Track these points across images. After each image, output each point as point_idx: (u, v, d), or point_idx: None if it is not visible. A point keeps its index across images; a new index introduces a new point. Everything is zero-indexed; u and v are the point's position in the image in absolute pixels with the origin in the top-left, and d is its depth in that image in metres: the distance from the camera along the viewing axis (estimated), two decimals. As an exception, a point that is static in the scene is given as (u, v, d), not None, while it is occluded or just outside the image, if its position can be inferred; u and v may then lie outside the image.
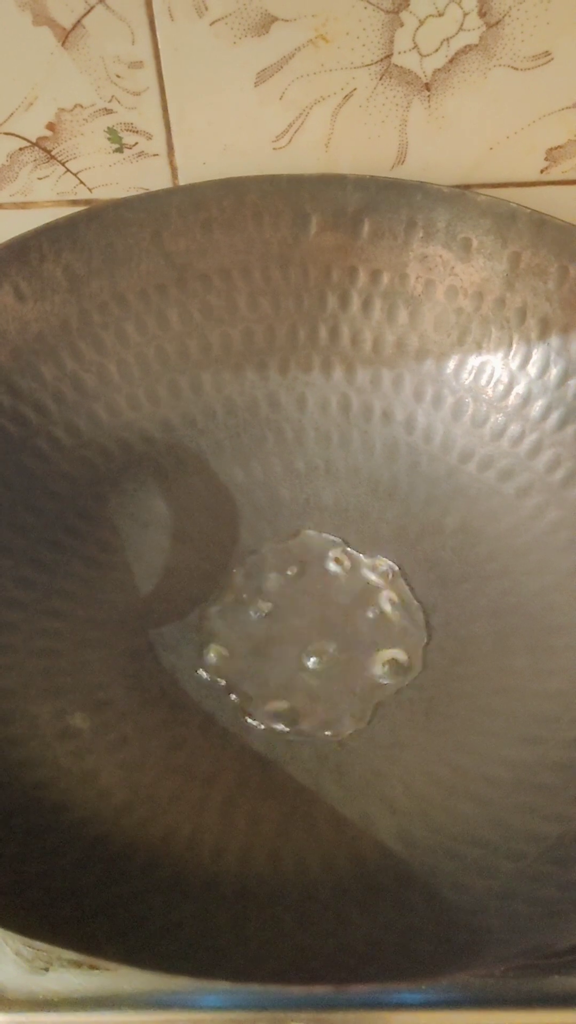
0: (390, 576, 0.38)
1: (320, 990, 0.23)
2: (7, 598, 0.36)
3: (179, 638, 0.37)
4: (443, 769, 0.33)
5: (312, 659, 0.36)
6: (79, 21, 0.37)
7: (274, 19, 0.37)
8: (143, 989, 0.31)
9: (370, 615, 0.37)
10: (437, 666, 0.36)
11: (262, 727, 0.34)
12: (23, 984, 0.31)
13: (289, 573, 0.38)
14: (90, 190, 0.43)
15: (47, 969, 0.32)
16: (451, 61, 0.38)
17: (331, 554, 0.39)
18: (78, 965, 0.31)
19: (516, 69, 0.38)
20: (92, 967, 0.31)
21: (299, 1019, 0.29)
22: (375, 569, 0.38)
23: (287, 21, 0.37)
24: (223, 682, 0.35)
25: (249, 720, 0.35)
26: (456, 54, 0.38)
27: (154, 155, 0.41)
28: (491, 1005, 0.30)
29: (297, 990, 0.23)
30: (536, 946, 0.24)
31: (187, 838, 0.31)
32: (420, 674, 0.36)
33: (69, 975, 0.32)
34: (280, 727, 0.34)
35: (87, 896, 0.28)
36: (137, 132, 0.41)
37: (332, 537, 0.39)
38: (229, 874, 0.30)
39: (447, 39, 0.38)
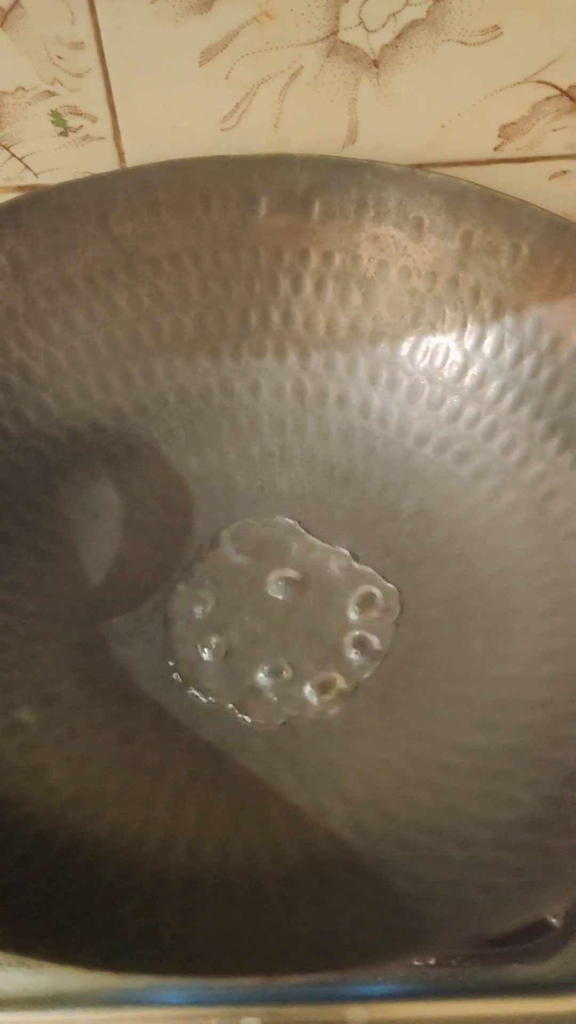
0: (348, 561, 0.37)
1: (247, 982, 0.22)
2: (-46, 592, 0.36)
3: (131, 630, 0.36)
4: (398, 757, 0.32)
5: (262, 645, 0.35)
6: (17, 1, 0.36)
7: (216, -5, 0.36)
8: (94, 987, 0.30)
9: (334, 602, 0.36)
10: (395, 652, 0.35)
11: (212, 713, 0.34)
12: (-33, 984, 0.31)
13: (243, 560, 0.37)
14: (36, 175, 0.42)
15: (-8, 968, 0.31)
16: (398, 36, 0.37)
17: (287, 539, 0.38)
18: (27, 964, 0.30)
19: (465, 44, 0.38)
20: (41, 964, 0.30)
21: (253, 1014, 0.29)
22: (333, 555, 0.37)
23: (229, -3, 0.36)
24: (177, 677, 0.35)
25: (200, 699, 0.34)
26: (403, 29, 0.37)
27: (100, 138, 0.40)
28: (448, 995, 0.30)
29: (222, 982, 0.23)
30: (480, 932, 0.24)
31: (135, 833, 0.30)
32: (377, 660, 0.35)
33: (18, 974, 0.31)
34: (236, 714, 0.34)
35: (26, 894, 0.27)
36: (81, 115, 0.40)
37: (288, 520, 0.38)
38: (177, 868, 0.29)
39: (394, 14, 0.37)
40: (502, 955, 0.29)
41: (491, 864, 0.28)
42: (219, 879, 0.29)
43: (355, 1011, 0.30)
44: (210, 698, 0.34)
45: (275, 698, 0.34)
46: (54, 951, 0.24)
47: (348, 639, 0.36)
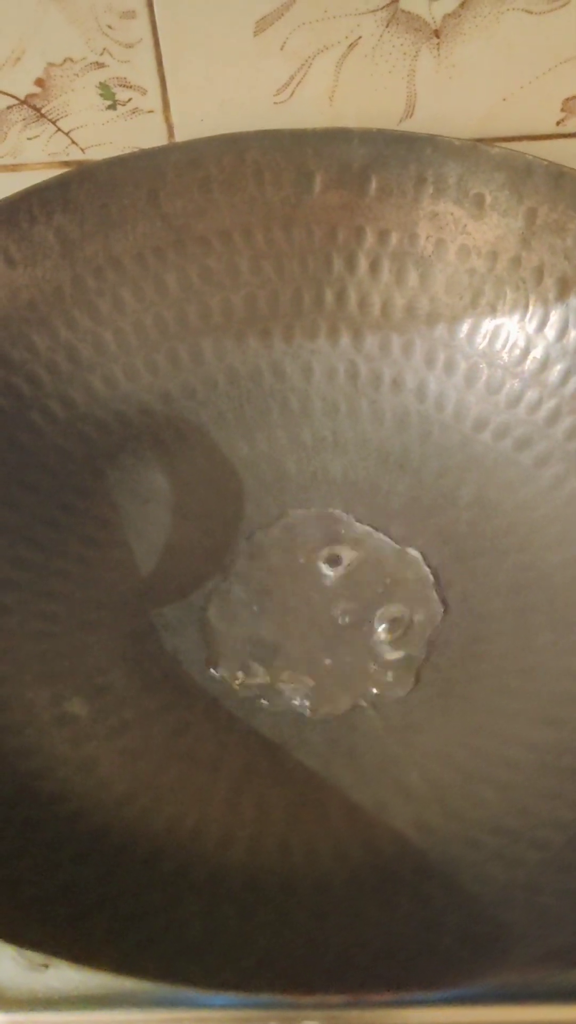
0: (402, 551, 0.36)
1: (335, 1000, 0.21)
2: (1, 579, 0.35)
3: (182, 618, 0.35)
4: (461, 753, 0.31)
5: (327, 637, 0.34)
6: (67, -32, 0.35)
7: (273, -38, 0.35)
8: (148, 987, 0.29)
9: (380, 590, 0.35)
10: (454, 645, 0.34)
11: (271, 708, 0.33)
12: (22, 982, 0.30)
13: (295, 550, 0.36)
14: (83, 150, 0.41)
15: (47, 966, 0.30)
16: (462, 6, 0.36)
17: (338, 530, 0.37)
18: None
19: (531, 13, 0.36)
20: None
21: (312, 1018, 0.28)
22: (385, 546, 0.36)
23: (287, -36, 0.35)
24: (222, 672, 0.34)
25: (262, 702, 0.33)
26: (467, -3, 0.36)
27: (149, 111, 0.39)
28: (515, 1000, 0.28)
29: (310, 999, 0.22)
30: (566, 946, 0.23)
31: (191, 828, 0.30)
32: (436, 654, 0.34)
33: (71, 972, 0.30)
34: (295, 703, 0.33)
35: (84, 892, 0.26)
36: (131, 87, 0.38)
37: (339, 512, 0.37)
38: (236, 866, 0.28)
39: (457, -19, 0.35)
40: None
41: (567, 868, 0.27)
42: (281, 878, 0.28)
43: (417, 1015, 0.29)
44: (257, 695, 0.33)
45: (325, 688, 0.33)
46: (119, 957, 0.23)
47: (395, 632, 0.34)
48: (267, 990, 0.22)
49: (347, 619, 0.35)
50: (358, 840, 0.29)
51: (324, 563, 0.36)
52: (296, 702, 0.33)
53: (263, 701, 0.33)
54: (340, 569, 0.36)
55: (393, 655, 0.34)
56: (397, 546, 0.36)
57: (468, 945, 0.25)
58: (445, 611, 0.35)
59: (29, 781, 0.30)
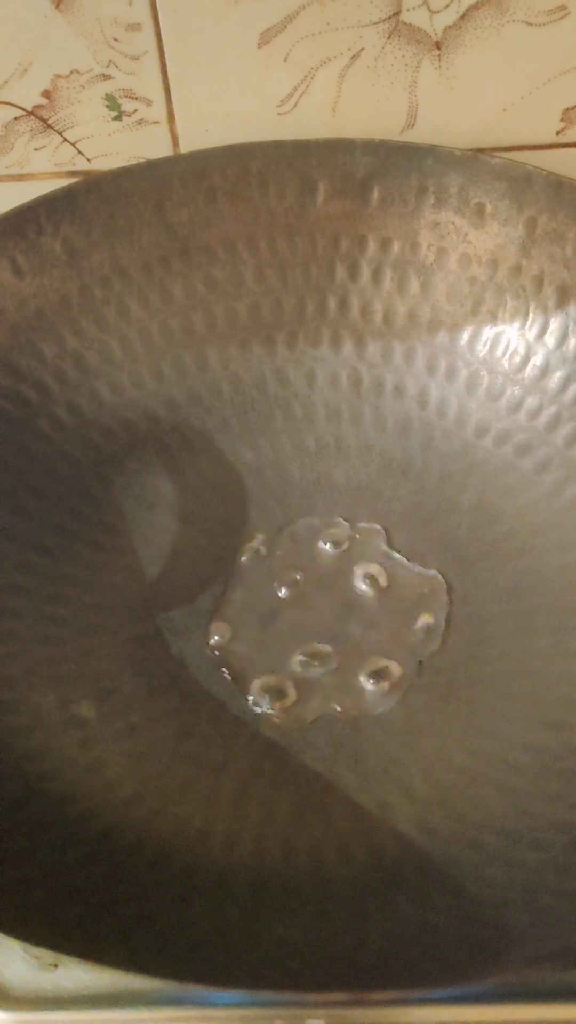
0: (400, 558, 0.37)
1: (339, 998, 0.22)
2: (9, 584, 0.35)
3: (188, 623, 0.36)
4: (463, 755, 0.32)
5: (320, 639, 0.35)
6: (73, -18, 0.36)
7: (277, -24, 0.35)
8: (156, 986, 0.30)
9: (388, 600, 0.36)
10: (456, 648, 0.35)
11: (271, 714, 0.33)
12: (32, 981, 0.30)
13: (300, 555, 0.37)
14: (89, 160, 0.41)
15: (56, 965, 0.31)
16: (462, 17, 0.37)
17: (341, 534, 0.37)
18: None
19: (531, 25, 0.37)
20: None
21: (316, 1016, 0.28)
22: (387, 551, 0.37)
23: (290, -22, 0.35)
24: (226, 672, 0.34)
25: (256, 708, 0.33)
26: (468, 10, 0.36)
27: (154, 122, 0.40)
28: (516, 999, 0.29)
29: (314, 997, 0.22)
30: (565, 947, 0.23)
31: (198, 830, 0.30)
32: (438, 656, 0.34)
33: (80, 971, 0.30)
34: (288, 711, 0.33)
35: (94, 893, 0.27)
36: (136, 98, 0.39)
37: (342, 520, 0.38)
38: (242, 867, 0.29)
39: (458, -6, 0.36)
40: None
41: (567, 869, 0.27)
42: (286, 880, 0.28)
43: (423, 1013, 0.29)
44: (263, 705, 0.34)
45: (328, 691, 0.34)
46: (128, 956, 0.23)
47: (403, 635, 0.35)
48: (272, 987, 0.23)
49: (352, 622, 0.35)
50: (361, 842, 0.30)
51: (360, 581, 0.37)
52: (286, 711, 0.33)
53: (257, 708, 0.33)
54: (366, 584, 0.36)
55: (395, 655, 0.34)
56: (410, 564, 0.37)
57: (468, 945, 0.25)
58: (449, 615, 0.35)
59: (38, 783, 0.31)
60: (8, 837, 0.29)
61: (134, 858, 0.29)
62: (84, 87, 0.39)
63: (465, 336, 0.39)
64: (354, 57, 0.38)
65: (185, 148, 0.41)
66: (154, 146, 0.40)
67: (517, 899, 0.27)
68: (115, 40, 0.37)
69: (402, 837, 0.29)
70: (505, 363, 0.38)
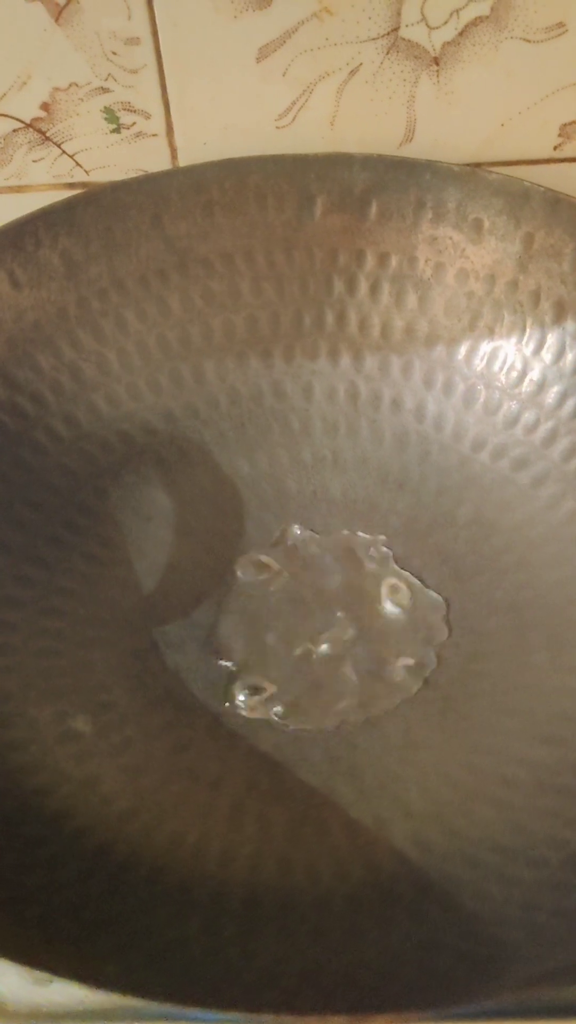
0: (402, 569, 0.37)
1: (334, 1021, 0.22)
2: (5, 597, 0.35)
3: (184, 636, 0.36)
4: (460, 771, 0.32)
5: (316, 651, 0.35)
6: (73, -4, 0.36)
7: (276, -9, 0.36)
8: (151, 1002, 0.30)
9: (387, 610, 0.36)
10: (452, 663, 0.35)
11: (269, 722, 0.33)
12: (25, 996, 0.30)
13: (295, 566, 0.37)
14: (87, 172, 0.41)
15: (52, 980, 0.31)
16: (461, 34, 0.37)
17: (338, 548, 0.37)
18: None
19: (529, 41, 0.37)
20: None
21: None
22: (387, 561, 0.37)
23: (290, -7, 0.36)
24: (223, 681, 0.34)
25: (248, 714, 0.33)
26: (466, 26, 0.36)
27: (153, 135, 0.40)
28: (518, 1016, 0.29)
29: (312, 1021, 0.22)
30: (563, 966, 0.23)
31: (193, 845, 0.30)
32: (435, 671, 0.34)
33: (74, 987, 0.30)
34: (285, 723, 0.33)
35: (88, 910, 0.27)
36: (135, 111, 0.39)
37: (343, 532, 0.38)
38: (237, 883, 0.29)
39: (457, 10, 0.36)
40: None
41: (563, 887, 0.27)
42: (282, 896, 0.28)
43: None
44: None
45: (323, 705, 0.34)
46: (120, 976, 0.23)
47: (400, 648, 0.35)
48: (267, 1010, 0.22)
49: (348, 634, 0.35)
50: (358, 858, 0.30)
51: (321, 583, 0.37)
52: (284, 721, 0.33)
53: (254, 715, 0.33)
54: (339, 589, 0.36)
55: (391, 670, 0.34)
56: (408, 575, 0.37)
57: (466, 964, 0.25)
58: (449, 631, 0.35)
59: (34, 798, 0.31)
60: (2, 854, 0.28)
61: (129, 874, 0.29)
62: (83, 100, 0.39)
63: (462, 350, 0.39)
64: (353, 72, 0.38)
65: (184, 161, 0.41)
66: (153, 159, 0.41)
67: (514, 917, 0.27)
68: (114, 53, 0.37)
69: (399, 853, 0.29)
70: (502, 378, 0.38)
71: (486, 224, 0.38)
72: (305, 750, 0.33)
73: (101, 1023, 0.30)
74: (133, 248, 0.39)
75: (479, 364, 0.39)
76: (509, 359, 0.38)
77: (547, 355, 0.38)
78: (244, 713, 0.33)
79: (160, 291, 0.39)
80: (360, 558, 0.37)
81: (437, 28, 0.37)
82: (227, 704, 0.34)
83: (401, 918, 0.27)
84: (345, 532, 0.38)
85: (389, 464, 0.39)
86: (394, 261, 0.39)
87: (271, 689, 0.34)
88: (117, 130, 0.40)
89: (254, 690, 0.34)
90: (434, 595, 0.36)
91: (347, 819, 0.31)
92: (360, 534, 0.38)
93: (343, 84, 0.38)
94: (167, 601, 0.36)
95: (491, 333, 0.39)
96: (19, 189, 0.42)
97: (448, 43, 0.37)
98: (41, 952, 0.24)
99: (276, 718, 0.33)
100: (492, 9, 0.36)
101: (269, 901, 0.28)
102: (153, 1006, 0.29)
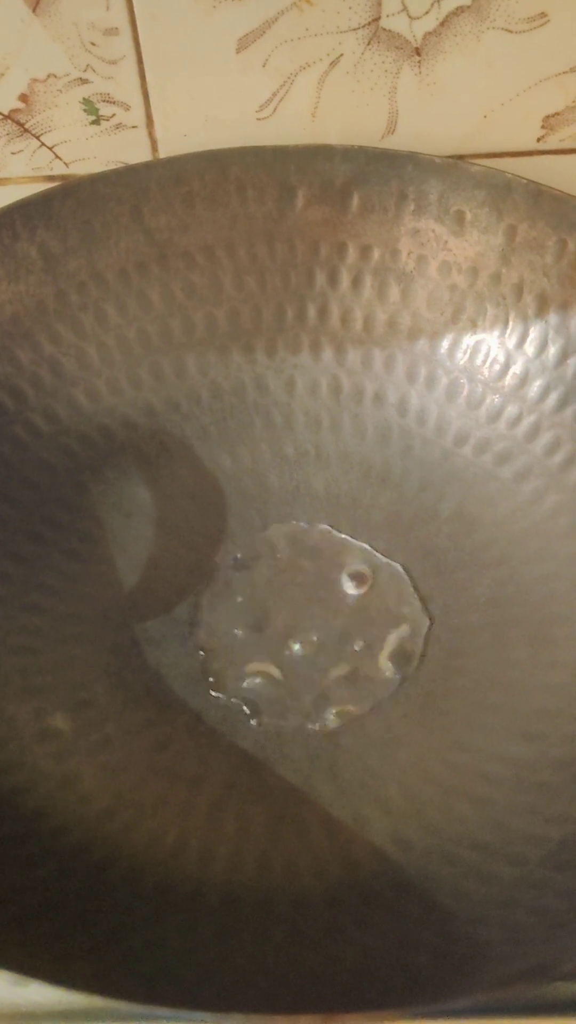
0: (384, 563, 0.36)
1: (310, 1021, 0.22)
2: (-16, 593, 0.35)
3: (165, 633, 0.35)
4: (440, 767, 0.32)
5: (300, 647, 0.35)
6: (50, -15, 0.35)
7: (255, -19, 0.35)
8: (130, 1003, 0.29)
9: (366, 603, 0.36)
10: (434, 659, 0.34)
11: (248, 720, 0.33)
12: (4, 996, 0.30)
13: (277, 562, 0.37)
14: (66, 164, 0.41)
15: (30, 980, 0.30)
16: (442, 24, 0.36)
17: (321, 542, 0.37)
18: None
19: (511, 32, 0.37)
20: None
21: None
22: (367, 556, 0.37)
23: (269, -17, 0.35)
24: (212, 679, 0.34)
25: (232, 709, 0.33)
26: (448, 16, 0.36)
27: (132, 127, 0.39)
28: (495, 1013, 0.29)
29: (284, 1021, 0.22)
30: (539, 965, 0.23)
31: (172, 844, 0.30)
32: (416, 667, 0.34)
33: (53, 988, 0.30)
34: (266, 720, 0.33)
35: (65, 910, 0.27)
36: (114, 103, 0.39)
37: (322, 526, 0.38)
38: (215, 882, 0.29)
39: (438, 0, 0.36)
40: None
41: (542, 884, 0.27)
42: (260, 895, 0.28)
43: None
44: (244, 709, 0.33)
45: (307, 701, 0.34)
46: (95, 976, 0.23)
47: (383, 643, 0.35)
48: (243, 1010, 0.22)
49: (331, 629, 0.35)
50: (337, 856, 0.29)
51: (347, 579, 0.36)
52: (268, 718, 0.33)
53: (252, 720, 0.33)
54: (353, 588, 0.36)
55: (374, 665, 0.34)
56: (386, 559, 0.36)
57: (443, 963, 0.25)
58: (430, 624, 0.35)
59: (11, 797, 0.31)
60: (-21, 852, 0.28)
61: (107, 873, 0.29)
62: (61, 91, 0.38)
63: (445, 344, 0.39)
64: (333, 63, 0.38)
65: (164, 153, 0.40)
66: (132, 151, 0.40)
67: (492, 915, 0.26)
68: (93, 44, 0.37)
69: (378, 851, 0.29)
70: (485, 371, 0.38)
71: (468, 216, 0.38)
72: (285, 748, 0.33)
73: (81, 1023, 0.30)
74: (113, 241, 0.38)
75: (462, 358, 0.39)
76: (492, 352, 0.38)
77: (530, 348, 0.37)
78: (222, 701, 0.33)
79: (140, 284, 0.39)
80: (340, 554, 0.37)
81: (418, 18, 0.36)
82: (210, 679, 0.33)
83: (379, 916, 0.27)
84: (325, 527, 0.37)
85: (372, 459, 0.39)
86: (376, 254, 0.39)
87: (252, 685, 0.34)
88: (96, 122, 0.39)
89: (236, 686, 0.34)
90: (397, 566, 0.36)
91: (326, 817, 0.31)
92: (337, 533, 0.37)
93: (324, 75, 0.38)
94: (148, 597, 0.36)
95: (474, 326, 0.38)
96: (-2, 181, 0.41)
97: (430, 33, 0.37)
98: (15, 953, 0.24)
99: (256, 715, 0.33)
100: (474, -1, 0.36)
101: (247, 900, 0.28)
102: (131, 1006, 0.29)
